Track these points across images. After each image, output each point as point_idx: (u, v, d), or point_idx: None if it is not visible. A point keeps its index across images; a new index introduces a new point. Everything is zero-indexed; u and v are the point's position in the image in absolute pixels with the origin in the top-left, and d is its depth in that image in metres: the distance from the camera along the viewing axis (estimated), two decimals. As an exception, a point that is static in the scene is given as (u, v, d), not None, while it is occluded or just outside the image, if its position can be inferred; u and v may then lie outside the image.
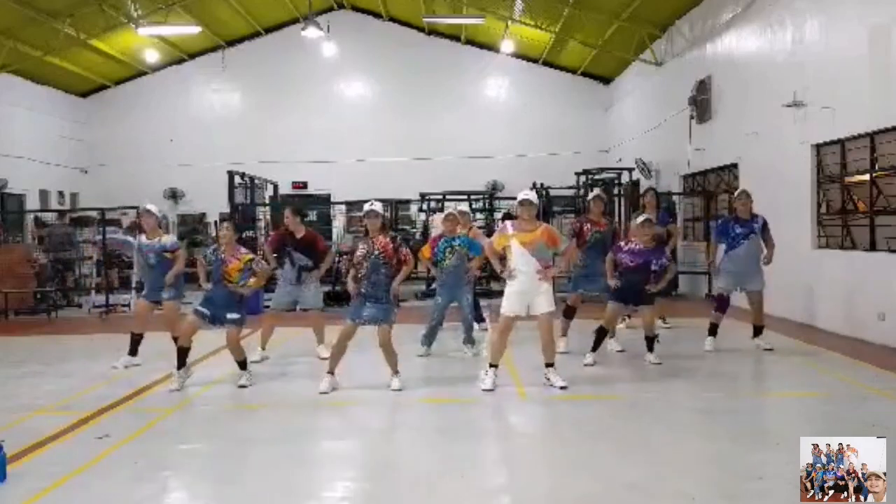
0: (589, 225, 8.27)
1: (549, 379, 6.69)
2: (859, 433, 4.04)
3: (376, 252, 6.53)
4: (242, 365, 7.14)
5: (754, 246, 8.15)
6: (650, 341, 7.75)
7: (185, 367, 7.03)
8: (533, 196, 6.67)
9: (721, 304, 8.35)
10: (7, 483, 4.55)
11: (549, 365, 6.76)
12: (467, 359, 8.23)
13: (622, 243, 7.63)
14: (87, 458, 4.99)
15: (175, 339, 7.90)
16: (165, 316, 8.10)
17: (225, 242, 7.02)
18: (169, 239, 8.14)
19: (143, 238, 8.09)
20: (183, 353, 6.98)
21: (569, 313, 8.44)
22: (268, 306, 13.16)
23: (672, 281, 13.94)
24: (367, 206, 6.67)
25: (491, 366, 6.73)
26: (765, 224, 8.19)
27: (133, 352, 8.08)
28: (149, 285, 8.11)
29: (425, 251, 8.46)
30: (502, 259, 6.74)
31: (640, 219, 7.60)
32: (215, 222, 19.99)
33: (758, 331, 8.35)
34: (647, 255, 7.47)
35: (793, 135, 10.62)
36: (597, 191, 9.19)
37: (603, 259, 7.79)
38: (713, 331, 8.33)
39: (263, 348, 8.29)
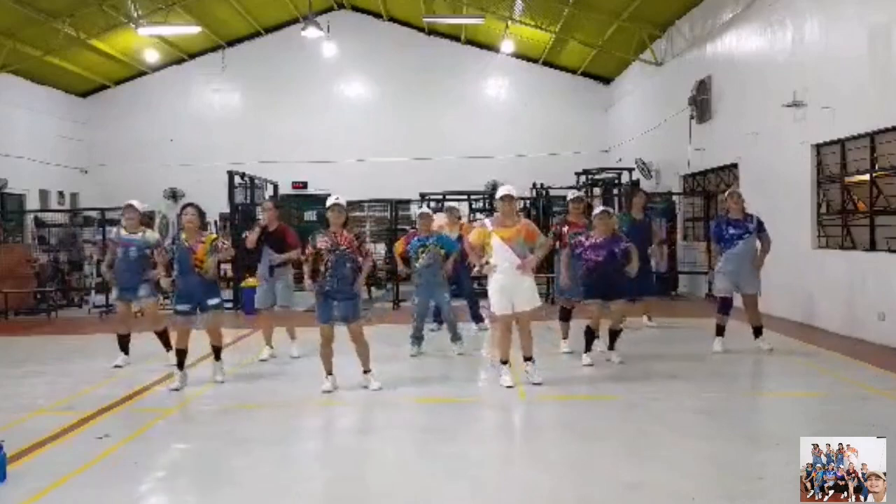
0: (567, 227, 8.25)
1: (527, 373, 6.77)
2: (859, 433, 4.04)
3: (342, 247, 6.41)
4: (218, 353, 7.12)
5: (750, 246, 8.02)
6: (614, 336, 7.68)
7: (184, 370, 7.01)
8: (514, 191, 6.70)
9: (723, 305, 8.21)
10: (7, 483, 4.55)
11: (528, 359, 6.80)
12: (464, 358, 8.23)
13: (583, 239, 7.50)
14: (87, 458, 4.99)
15: (159, 335, 8.02)
16: (147, 316, 8.19)
17: (190, 229, 6.84)
18: (153, 236, 8.06)
19: (123, 232, 7.95)
20: (181, 355, 6.95)
21: (565, 316, 8.40)
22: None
23: (671, 280, 14.02)
24: (331, 200, 6.52)
25: (502, 362, 6.76)
26: (760, 224, 8.09)
27: (125, 350, 8.12)
28: (124, 283, 7.94)
29: (398, 246, 8.66)
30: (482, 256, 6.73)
31: (598, 210, 7.68)
32: (215, 222, 20.03)
33: (758, 332, 8.26)
34: (609, 245, 7.40)
35: (793, 135, 10.62)
36: (576, 193, 9.13)
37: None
38: (720, 331, 8.22)
39: (270, 346, 8.33)
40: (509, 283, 6.55)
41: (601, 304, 7.55)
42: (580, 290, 7.82)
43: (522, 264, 6.59)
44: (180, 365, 6.98)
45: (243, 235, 8.68)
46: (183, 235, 6.86)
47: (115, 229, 8.05)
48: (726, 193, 8.40)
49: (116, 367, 7.96)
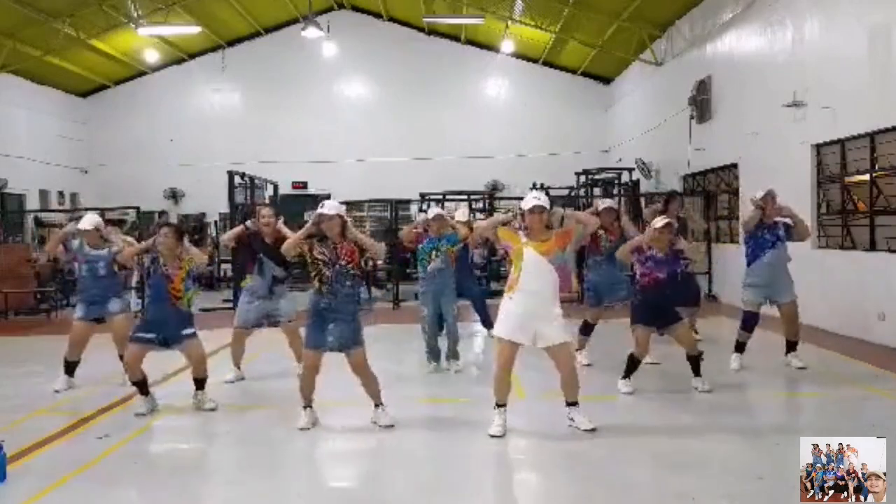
0: (602, 232, 7.80)
1: (573, 420, 5.53)
2: (859, 433, 4.04)
3: (342, 262, 5.48)
4: (202, 384, 6.33)
5: (781, 253, 7.33)
6: (695, 361, 6.60)
7: (149, 394, 6.26)
8: (545, 201, 5.39)
9: (748, 321, 7.45)
10: (7, 483, 4.55)
11: (572, 404, 5.57)
12: (466, 358, 8.20)
13: (644, 248, 6.44)
14: (87, 458, 4.99)
15: (123, 358, 7.05)
16: (115, 333, 7.24)
17: (166, 253, 6.04)
18: (117, 248, 7.18)
19: (86, 247, 7.16)
20: (141, 385, 6.17)
21: (587, 330, 7.90)
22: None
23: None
24: (320, 209, 5.49)
25: (498, 406, 5.53)
26: (787, 227, 7.38)
27: (69, 372, 7.24)
28: (90, 299, 7.16)
29: (410, 235, 7.86)
30: (486, 241, 5.72)
31: (661, 223, 6.40)
32: (215, 222, 20.05)
33: (791, 346, 7.45)
34: (672, 264, 6.44)
35: (793, 135, 10.62)
36: (608, 202, 8.46)
37: (620, 266, 7.32)
38: (740, 348, 7.51)
39: (238, 367, 7.46)
40: (536, 311, 5.28)
41: (651, 330, 6.54)
42: (618, 296, 7.46)
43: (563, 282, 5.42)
44: (143, 392, 6.19)
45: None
46: (161, 260, 6.08)
47: (76, 241, 7.23)
48: (766, 193, 7.44)
49: (56, 391, 7.05)
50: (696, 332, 8.78)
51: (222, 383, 7.08)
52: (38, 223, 17.84)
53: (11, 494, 4.39)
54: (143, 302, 7.63)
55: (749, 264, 7.46)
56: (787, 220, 7.36)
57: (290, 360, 7.74)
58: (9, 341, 10.78)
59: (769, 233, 7.35)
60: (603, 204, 8.19)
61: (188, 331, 6.15)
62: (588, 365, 7.77)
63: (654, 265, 6.37)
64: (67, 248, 7.35)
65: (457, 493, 4.40)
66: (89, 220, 7.19)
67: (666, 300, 6.41)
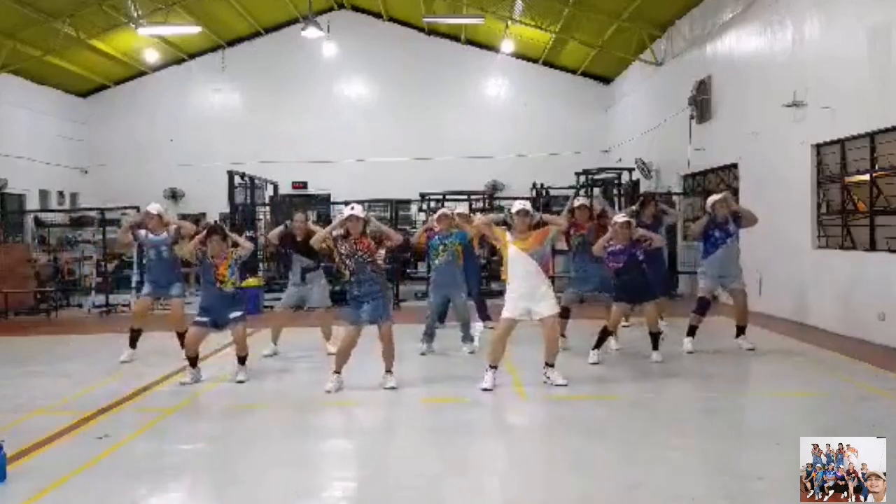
0: (574, 229, 8.48)
1: (548, 378, 6.80)
2: (859, 433, 4.04)
3: (360, 252, 6.64)
4: (243, 360, 7.32)
5: (733, 247, 8.22)
6: (655, 338, 7.81)
7: (197, 367, 7.27)
8: (530, 206, 6.86)
9: (701, 306, 8.35)
10: (7, 483, 4.55)
11: (550, 365, 6.85)
12: (468, 358, 8.24)
13: (606, 245, 7.65)
14: (87, 458, 4.99)
15: (179, 336, 8.15)
16: (173, 313, 8.37)
17: (215, 248, 7.17)
18: (173, 228, 8.41)
19: (150, 235, 8.29)
20: (192, 361, 7.21)
21: (564, 314, 8.39)
22: (268, 307, 13.24)
23: (670, 281, 14.00)
24: (347, 211, 6.71)
25: (490, 367, 6.77)
26: (736, 220, 8.24)
27: (133, 345, 8.27)
28: (155, 281, 8.28)
29: (420, 237, 8.88)
30: (482, 239, 7.50)
31: (621, 219, 7.69)
32: (216, 221, 20.01)
33: (741, 330, 8.35)
34: (629, 251, 7.56)
35: (793, 135, 10.62)
36: (580, 200, 9.35)
37: (591, 259, 8.10)
38: (692, 332, 8.33)
39: (275, 343, 8.54)
40: (527, 293, 6.65)
41: (626, 308, 7.78)
42: (587, 287, 8.20)
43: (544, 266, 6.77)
44: (193, 365, 7.23)
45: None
46: (209, 255, 7.18)
47: (142, 232, 8.40)
48: (721, 197, 8.32)
49: (123, 362, 8.06)
50: (662, 318, 9.70)
51: (234, 380, 7.22)
52: (38, 223, 17.83)
53: (11, 494, 4.39)
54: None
55: (704, 257, 8.38)
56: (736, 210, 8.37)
57: (298, 364, 8.16)
58: (9, 341, 10.78)
59: (720, 230, 8.22)
60: (577, 202, 9.12)
61: (235, 314, 7.21)
62: (566, 349, 8.19)
63: (612, 256, 7.61)
64: (136, 237, 8.51)
65: (458, 493, 4.40)
66: (155, 207, 8.42)
67: (637, 280, 7.59)
